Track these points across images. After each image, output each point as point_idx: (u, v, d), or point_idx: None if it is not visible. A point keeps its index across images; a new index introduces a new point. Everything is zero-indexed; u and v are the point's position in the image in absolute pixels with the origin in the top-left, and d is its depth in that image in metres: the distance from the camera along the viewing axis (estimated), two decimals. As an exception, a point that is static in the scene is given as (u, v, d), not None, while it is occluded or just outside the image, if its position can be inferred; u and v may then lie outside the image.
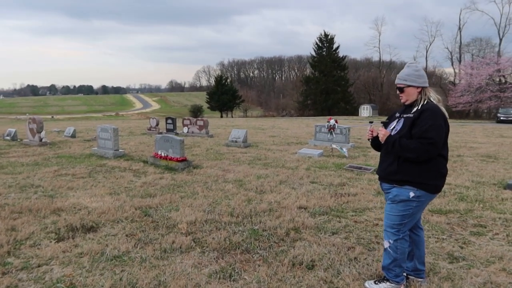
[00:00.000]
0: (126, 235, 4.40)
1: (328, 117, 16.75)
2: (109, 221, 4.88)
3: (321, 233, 4.49)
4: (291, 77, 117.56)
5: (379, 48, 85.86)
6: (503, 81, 49.91)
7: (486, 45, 64.64)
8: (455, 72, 62.00)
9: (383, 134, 2.99)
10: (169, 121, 19.23)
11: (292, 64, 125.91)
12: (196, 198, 6.03)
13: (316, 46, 66.78)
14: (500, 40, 58.42)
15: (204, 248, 4.05)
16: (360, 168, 9.07)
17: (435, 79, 65.71)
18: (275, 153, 11.62)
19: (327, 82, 63.31)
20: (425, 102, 2.95)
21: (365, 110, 57.52)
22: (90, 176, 7.93)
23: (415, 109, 2.96)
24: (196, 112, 67.08)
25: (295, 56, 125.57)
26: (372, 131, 3.25)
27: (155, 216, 5.10)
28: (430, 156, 2.84)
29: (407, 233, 3.08)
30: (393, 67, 79.19)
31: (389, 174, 3.02)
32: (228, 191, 6.48)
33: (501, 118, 37.77)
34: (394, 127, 3.07)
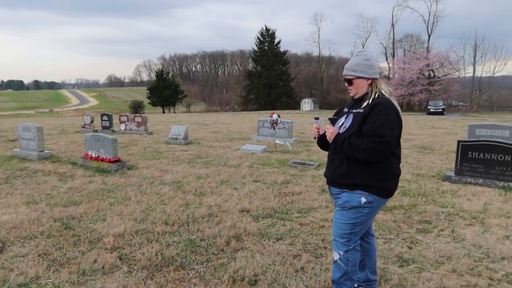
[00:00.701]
0: (39, 255, 3.74)
1: (271, 111, 16.54)
2: (19, 238, 4.17)
3: (264, 240, 4.12)
4: (234, 71, 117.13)
5: (318, 43, 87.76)
6: (432, 75, 53.18)
7: (417, 41, 68.35)
8: (389, 66, 64.89)
9: (330, 132, 2.65)
10: (105, 118, 18.04)
11: (235, 58, 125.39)
12: (128, 204, 5.42)
13: (258, 40, 66.88)
14: (429, 36, 61.94)
15: (132, 266, 3.51)
16: (303, 164, 8.87)
17: (372, 74, 68.28)
18: (217, 150, 11.16)
19: (269, 76, 63.74)
20: (376, 96, 2.65)
21: (307, 104, 58.54)
22: (6, 182, 6.99)
23: (365, 103, 2.64)
24: (136, 108, 64.57)
25: (237, 51, 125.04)
26: (318, 129, 2.91)
27: (77, 229, 4.45)
28: (383, 156, 2.55)
29: (358, 242, 2.77)
30: (332, 62, 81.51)
31: (338, 177, 2.69)
32: (165, 195, 5.94)
33: (431, 110, 40.21)
34: (342, 124, 2.74)
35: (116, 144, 8.15)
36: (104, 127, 17.63)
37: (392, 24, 65.46)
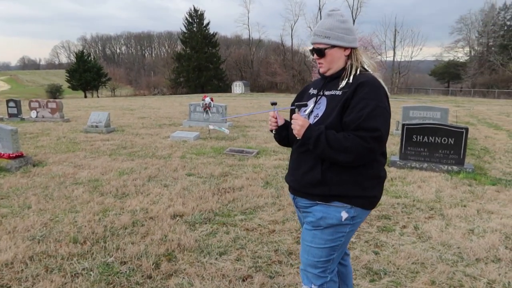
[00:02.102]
0: None
1: (203, 94, 15.54)
2: None
3: (204, 257, 3.29)
4: (162, 54, 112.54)
5: (248, 26, 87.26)
6: (356, 58, 55.09)
7: (343, 25, 70.19)
8: (318, 50, 65.97)
9: (299, 124, 1.85)
10: (12, 104, 15.75)
11: (162, 40, 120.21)
12: (26, 215, 4.26)
13: (186, 21, 64.49)
14: (354, 21, 63.76)
15: (20, 314, 2.52)
16: (241, 151, 8.11)
17: (300, 57, 69.42)
18: (144, 138, 10.00)
19: (199, 59, 61.97)
20: (357, 72, 1.91)
21: (238, 87, 57.82)
22: None
23: (343, 82, 1.89)
24: (54, 92, 59.19)
25: (165, 32, 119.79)
26: (275, 118, 2.12)
27: None
28: (373, 157, 1.83)
29: (335, 270, 2.06)
30: (262, 45, 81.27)
31: (308, 186, 1.93)
32: (77, 199, 4.83)
33: None
34: (311, 111, 1.97)
35: (17, 136, 6.74)
36: (11, 115, 15.40)
37: (319, 8, 66.39)
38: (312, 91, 2.10)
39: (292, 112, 2.11)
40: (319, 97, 1.99)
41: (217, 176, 6.03)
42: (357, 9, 63.07)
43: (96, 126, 11.24)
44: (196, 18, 64.37)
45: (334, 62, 1.94)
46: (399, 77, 62.24)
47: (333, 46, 1.92)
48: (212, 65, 63.64)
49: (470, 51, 58.33)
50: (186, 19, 64.47)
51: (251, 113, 2.01)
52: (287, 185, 5.27)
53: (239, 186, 5.43)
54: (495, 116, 17.64)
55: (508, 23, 51.87)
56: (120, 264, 3.14)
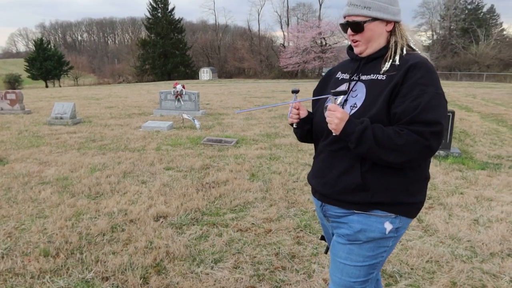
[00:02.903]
0: None
1: (174, 82, 14.89)
2: None
3: (198, 266, 2.91)
4: (126, 40, 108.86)
5: (214, 11, 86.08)
6: (324, 43, 55.39)
7: (309, 10, 70.14)
8: (284, 35, 65.83)
9: (338, 117, 1.46)
10: (-36, 96, 14.59)
11: (126, 26, 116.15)
12: (-14, 223, 3.73)
13: (150, 7, 62.38)
14: (320, 5, 63.82)
15: None
16: (220, 141, 7.71)
17: (267, 42, 68.93)
18: (114, 129, 9.38)
19: (165, 45, 60.27)
20: (403, 52, 1.57)
21: (205, 74, 56.77)
22: None
23: (387, 65, 1.54)
24: (13, 82, 56.00)
25: (128, 18, 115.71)
26: (297, 109, 1.75)
27: None
28: (430, 157, 1.50)
29: (372, 290, 1.73)
30: (228, 31, 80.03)
31: (345, 192, 1.58)
32: (45, 202, 4.31)
33: None
34: (346, 100, 1.61)
35: (-28, 131, 6.06)
36: (-36, 108, 14.25)
37: (286, -7, 65.92)
38: (341, 75, 1.74)
39: (315, 102, 1.75)
40: (353, 82, 1.63)
41: (198, 169, 5.61)
42: (323, -7, 63.01)
43: (61, 118, 10.48)
44: (160, 3, 62.37)
45: (374, 39, 1.58)
46: (365, 61, 63.11)
47: (375, 19, 1.55)
48: (178, 51, 62.12)
49: (433, 35, 59.61)
50: (150, 4, 62.36)
51: (267, 105, 1.65)
52: (275, 176, 4.93)
53: (223, 180, 5.05)
54: (463, 98, 17.95)
55: (469, 6, 53.24)
56: (102, 280, 2.71)
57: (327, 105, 1.68)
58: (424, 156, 1.45)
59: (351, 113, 1.54)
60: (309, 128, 1.79)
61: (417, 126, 1.40)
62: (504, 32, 52.14)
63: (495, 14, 53.39)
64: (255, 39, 69.02)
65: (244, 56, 63.45)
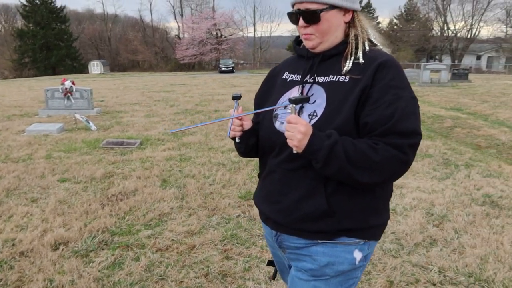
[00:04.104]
0: None
1: (61, 77, 13.36)
2: None
3: (115, 303, 2.44)
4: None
5: (101, 0, 79.58)
6: (220, 34, 55.58)
7: (202, 0, 69.30)
8: (179, 26, 64.36)
9: (302, 131, 1.17)
10: None
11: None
12: None
13: (25, -8, 55.81)
14: (213, -4, 63.44)
15: None
16: (121, 143, 7.02)
17: (162, 33, 66.65)
18: (-10, 136, 8.02)
19: (46, 36, 54.41)
20: (366, 48, 1.33)
21: (96, 67, 52.88)
22: None
23: (348, 63, 1.29)
24: None
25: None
26: (241, 119, 1.43)
27: None
28: (405, 172, 1.29)
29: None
30: (118, 21, 75.39)
31: (306, 219, 1.32)
32: None
33: (223, 68, 42.50)
34: (301, 107, 1.33)
35: None
36: None
37: (178, -19, 64.26)
38: (290, 76, 1.45)
39: (265, 112, 1.45)
40: (308, 85, 1.36)
41: (100, 179, 4.96)
42: (216, -16, 62.72)
43: None
44: (38, -12, 56.17)
45: (331, 31, 1.31)
46: (260, 52, 64.83)
47: (333, 7, 1.28)
48: (63, 43, 56.69)
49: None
50: (26, -11, 55.81)
51: (206, 122, 1.33)
52: (189, 181, 4.57)
53: (132, 190, 4.51)
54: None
55: None
56: None
57: (277, 113, 1.40)
58: (402, 173, 1.25)
59: (311, 124, 1.27)
60: (255, 141, 1.48)
61: (394, 138, 1.19)
62: (380, 25, 57.30)
63: (371, 8, 58.26)
64: (148, 30, 66.19)
65: (137, 48, 60.44)
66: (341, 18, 1.32)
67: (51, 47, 54.89)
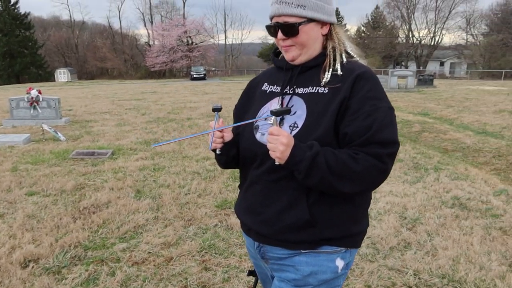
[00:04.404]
0: None
1: (26, 85, 12.94)
2: None
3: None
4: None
5: (68, 6, 78.49)
6: (190, 41, 55.43)
7: (172, 7, 68.91)
8: (148, 33, 63.69)
9: (284, 143, 1.19)
10: None
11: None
12: None
13: (-14, -2, 53.84)
14: (184, 3, 63.24)
15: None
16: (92, 153, 6.85)
17: (131, 40, 65.77)
18: (-49, 149, 7.64)
19: (9, 43, 52.60)
20: (344, 60, 1.36)
21: (63, 75, 51.57)
22: None
23: (327, 75, 1.32)
24: None
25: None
26: (221, 131, 1.43)
27: None
28: (383, 181, 1.32)
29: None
30: (86, 28, 73.88)
31: (289, 230, 1.32)
32: None
33: (194, 75, 42.40)
34: (282, 119, 1.34)
35: None
36: None
37: (147, -11, 63.68)
38: (269, 88, 1.47)
39: (239, 121, 1.45)
40: (288, 97, 1.37)
41: (70, 191, 4.81)
42: (186, -8, 62.54)
43: None
44: (0, -6, 54.33)
45: (309, 44, 1.33)
46: (231, 59, 65.01)
47: (310, 20, 1.30)
48: (27, 50, 54.92)
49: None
50: (-13, -5, 53.87)
51: (189, 136, 1.32)
52: (164, 191, 4.51)
53: (104, 202, 4.40)
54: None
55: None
56: None
57: (257, 125, 1.41)
58: (381, 181, 1.28)
59: (292, 135, 1.28)
60: (236, 152, 1.48)
61: (373, 147, 1.22)
62: (348, 33, 58.68)
63: (339, 16, 59.56)
64: (117, 37, 65.17)
65: (106, 55, 59.39)
66: (318, 30, 1.34)
67: (15, 54, 53.11)
